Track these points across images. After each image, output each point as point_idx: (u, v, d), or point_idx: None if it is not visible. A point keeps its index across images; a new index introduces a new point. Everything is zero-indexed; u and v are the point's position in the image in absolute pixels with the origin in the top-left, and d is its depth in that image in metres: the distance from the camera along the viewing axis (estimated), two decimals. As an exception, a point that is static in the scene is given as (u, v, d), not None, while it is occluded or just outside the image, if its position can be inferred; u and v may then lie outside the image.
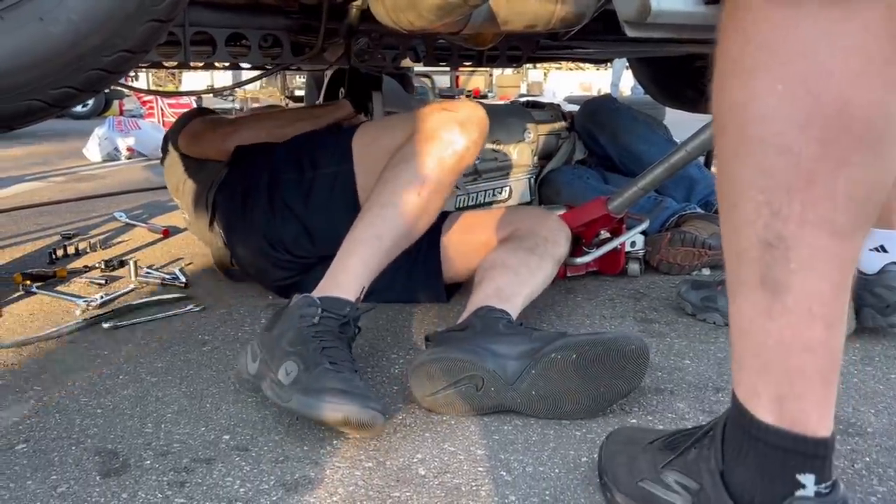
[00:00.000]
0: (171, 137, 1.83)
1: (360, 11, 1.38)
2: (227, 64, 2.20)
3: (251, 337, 1.47)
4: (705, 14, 1.42)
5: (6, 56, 0.86)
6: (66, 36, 0.89)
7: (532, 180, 2.18)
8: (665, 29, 1.44)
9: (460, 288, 1.68)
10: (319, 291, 1.20)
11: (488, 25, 1.26)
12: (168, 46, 1.60)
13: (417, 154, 1.30)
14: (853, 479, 0.96)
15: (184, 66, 2.18)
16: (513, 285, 1.32)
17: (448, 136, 1.31)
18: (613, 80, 12.73)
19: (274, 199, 1.51)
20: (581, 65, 19.18)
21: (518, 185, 2.14)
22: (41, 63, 0.89)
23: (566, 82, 19.53)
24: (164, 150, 1.94)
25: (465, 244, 1.57)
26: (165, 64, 2.08)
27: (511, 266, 1.36)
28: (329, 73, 2.87)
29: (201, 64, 2.21)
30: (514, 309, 1.27)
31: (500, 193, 2.12)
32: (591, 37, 2.05)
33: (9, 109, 0.89)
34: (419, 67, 2.44)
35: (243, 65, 2.19)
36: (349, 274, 1.23)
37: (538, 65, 17.16)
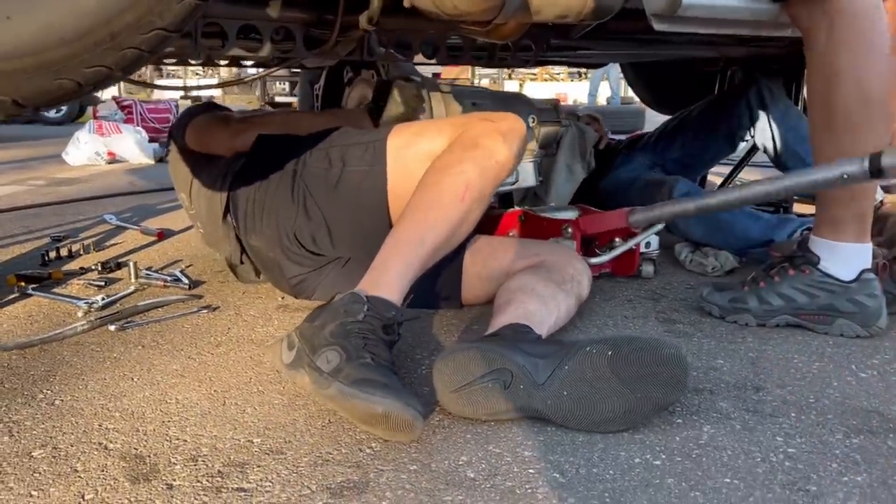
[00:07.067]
0: (175, 133, 1.75)
1: (384, 4, 1.33)
2: (222, 63, 2.14)
3: (266, 339, 1.42)
4: (735, 7, 1.40)
5: (38, 32, 0.81)
6: (99, 12, 0.83)
7: (536, 165, 2.12)
8: (693, 23, 1.42)
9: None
10: (363, 290, 1.16)
11: (521, 14, 1.23)
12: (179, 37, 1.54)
13: (461, 161, 1.28)
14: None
15: (183, 62, 2.13)
16: (542, 314, 1.28)
17: (492, 145, 1.29)
18: (591, 90, 12.83)
19: (297, 189, 1.45)
20: (556, 76, 19.39)
21: (525, 168, 2.07)
22: (73, 40, 0.83)
23: (541, 93, 19.66)
24: (168, 145, 1.87)
25: (486, 268, 1.53)
26: (164, 61, 2.02)
27: (542, 295, 1.33)
28: (325, 73, 2.81)
29: (195, 62, 2.15)
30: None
31: (510, 176, 2.06)
32: (603, 35, 2.04)
33: (40, 89, 0.83)
34: (399, 71, 2.36)
35: (244, 63, 2.13)
36: (392, 275, 1.19)
37: (514, 75, 17.29)
